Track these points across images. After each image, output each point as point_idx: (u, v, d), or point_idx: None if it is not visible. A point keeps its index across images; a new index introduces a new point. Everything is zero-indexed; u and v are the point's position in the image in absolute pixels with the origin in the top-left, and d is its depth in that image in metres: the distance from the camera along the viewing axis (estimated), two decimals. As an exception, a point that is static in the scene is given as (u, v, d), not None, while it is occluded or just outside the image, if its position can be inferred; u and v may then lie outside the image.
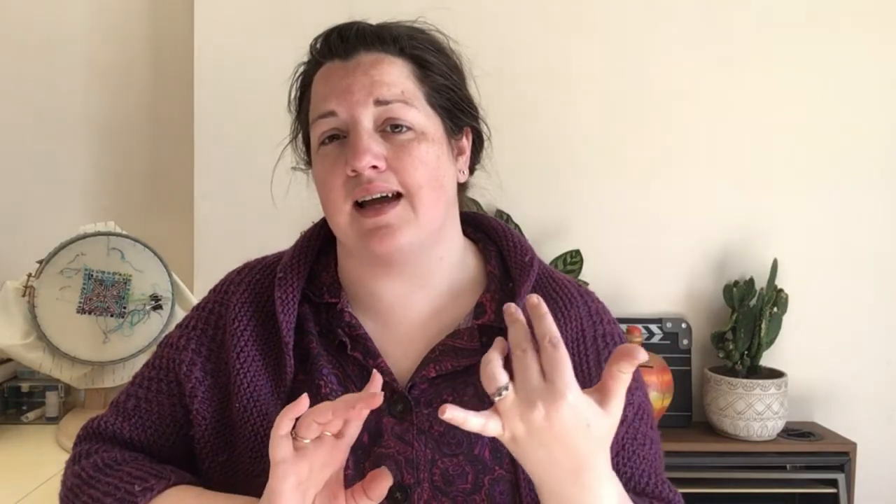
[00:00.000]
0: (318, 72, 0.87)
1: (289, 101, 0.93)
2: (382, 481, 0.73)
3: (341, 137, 0.83)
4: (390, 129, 0.82)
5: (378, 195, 0.81)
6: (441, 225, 0.86)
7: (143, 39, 2.05)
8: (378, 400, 0.69)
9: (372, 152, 0.80)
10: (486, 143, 0.95)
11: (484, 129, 0.94)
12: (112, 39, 2.05)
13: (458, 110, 0.88)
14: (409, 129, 0.83)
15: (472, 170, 0.95)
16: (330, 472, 0.73)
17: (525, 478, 0.81)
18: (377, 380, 0.74)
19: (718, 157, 1.96)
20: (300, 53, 0.92)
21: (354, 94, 0.82)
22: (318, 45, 0.88)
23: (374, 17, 0.90)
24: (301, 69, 0.91)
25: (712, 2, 1.95)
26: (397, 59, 0.85)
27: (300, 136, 0.93)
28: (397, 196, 0.81)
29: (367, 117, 0.82)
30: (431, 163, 0.83)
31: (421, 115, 0.84)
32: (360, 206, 0.82)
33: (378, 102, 0.82)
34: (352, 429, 0.73)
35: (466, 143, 0.91)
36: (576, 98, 1.95)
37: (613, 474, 0.73)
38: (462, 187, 0.93)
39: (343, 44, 0.85)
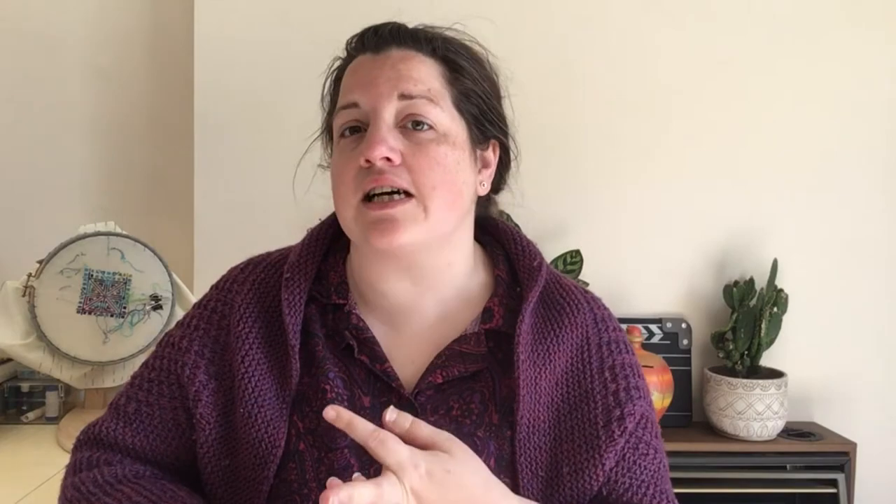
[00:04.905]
0: (349, 65, 0.86)
1: (321, 97, 0.91)
2: None
3: (362, 131, 0.82)
4: (412, 125, 0.81)
5: (388, 189, 0.79)
6: (452, 231, 0.84)
7: (143, 39, 2.05)
8: None
9: (387, 144, 0.79)
10: (512, 163, 0.93)
11: (512, 147, 0.92)
12: (112, 39, 2.05)
13: (485, 119, 0.87)
14: (430, 127, 0.81)
15: (497, 188, 0.93)
16: None
17: (524, 485, 0.81)
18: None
19: (719, 157, 1.96)
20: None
21: (379, 87, 0.81)
22: (352, 41, 0.87)
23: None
24: (336, 64, 0.90)
25: (713, 2, 1.95)
26: (428, 58, 0.84)
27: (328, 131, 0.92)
28: (408, 195, 0.80)
29: (389, 111, 0.81)
30: (449, 166, 0.81)
31: (445, 116, 0.82)
32: (368, 199, 0.80)
33: (402, 97, 0.81)
34: None
35: (493, 157, 0.90)
36: (576, 98, 1.95)
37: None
38: (486, 202, 0.92)
39: (376, 38, 0.84)
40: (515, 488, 0.81)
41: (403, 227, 0.79)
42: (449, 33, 0.88)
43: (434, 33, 0.86)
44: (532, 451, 0.82)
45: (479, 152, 0.87)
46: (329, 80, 0.90)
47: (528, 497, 0.81)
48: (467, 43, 0.89)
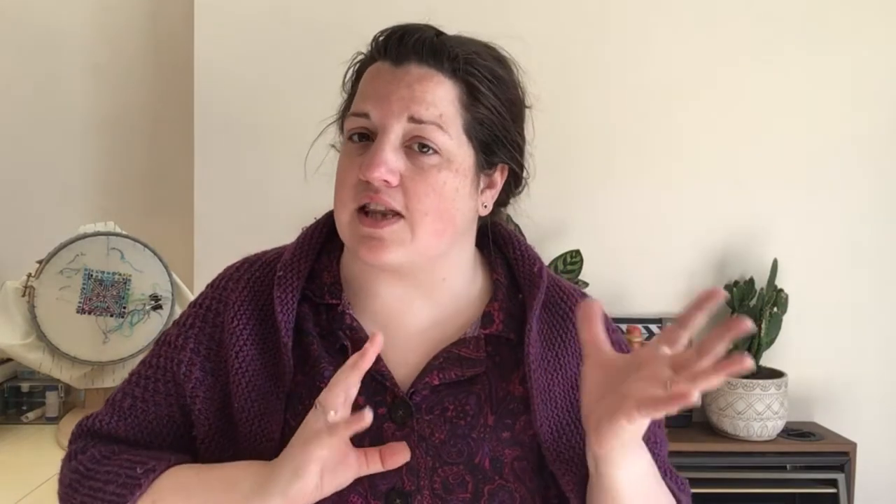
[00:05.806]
0: (370, 66, 0.85)
1: (343, 83, 0.90)
2: (400, 453, 0.77)
3: (370, 139, 0.82)
4: (417, 147, 0.80)
5: (381, 208, 0.80)
6: (441, 254, 0.84)
7: (143, 39, 2.05)
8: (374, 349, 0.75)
9: (387, 166, 0.78)
10: (523, 184, 0.91)
11: (525, 172, 0.90)
12: (112, 39, 2.05)
13: (496, 146, 0.85)
14: (435, 152, 0.80)
15: (504, 203, 0.92)
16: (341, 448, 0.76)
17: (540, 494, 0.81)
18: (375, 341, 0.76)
19: (718, 157, 1.97)
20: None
21: (392, 104, 0.80)
22: (378, 40, 0.85)
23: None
24: (359, 56, 0.89)
25: (713, 3, 1.95)
26: (447, 80, 0.82)
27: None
28: (399, 215, 0.80)
29: (397, 131, 0.80)
30: (446, 194, 0.81)
31: (452, 143, 0.81)
32: (363, 210, 0.81)
33: (412, 119, 0.80)
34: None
35: (500, 178, 0.88)
36: (576, 98, 1.95)
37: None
38: (490, 214, 0.90)
39: (399, 48, 0.82)
40: (514, 490, 0.81)
41: (390, 248, 0.80)
42: (480, 46, 0.86)
43: (459, 50, 0.83)
44: (567, 452, 0.83)
45: (483, 176, 0.86)
46: (351, 69, 0.89)
47: None
48: (501, 55, 0.87)
